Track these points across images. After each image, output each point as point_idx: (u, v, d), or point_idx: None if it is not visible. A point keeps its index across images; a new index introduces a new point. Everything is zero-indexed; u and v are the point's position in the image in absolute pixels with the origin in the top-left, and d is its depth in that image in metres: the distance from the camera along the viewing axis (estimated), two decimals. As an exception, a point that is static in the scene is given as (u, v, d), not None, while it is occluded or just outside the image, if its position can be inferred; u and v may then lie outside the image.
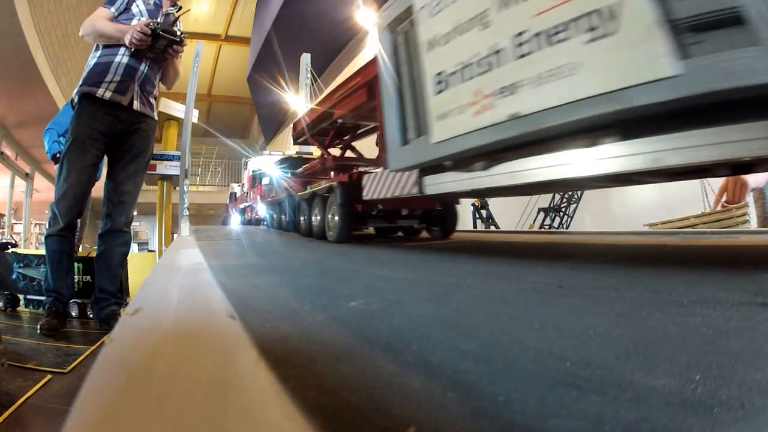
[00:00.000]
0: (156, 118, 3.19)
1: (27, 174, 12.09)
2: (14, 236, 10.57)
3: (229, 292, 1.41)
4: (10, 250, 4.64)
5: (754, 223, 4.78)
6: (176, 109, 10.05)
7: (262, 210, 9.26)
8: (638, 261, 2.40)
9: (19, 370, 2.35)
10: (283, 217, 6.17)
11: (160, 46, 2.87)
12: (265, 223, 8.89)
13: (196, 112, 6.75)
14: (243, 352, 0.80)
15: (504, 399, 0.62)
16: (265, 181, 9.83)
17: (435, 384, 0.67)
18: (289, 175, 6.71)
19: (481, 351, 0.84)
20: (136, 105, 2.97)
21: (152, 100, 3.14)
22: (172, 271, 1.94)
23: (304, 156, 7.28)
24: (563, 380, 0.69)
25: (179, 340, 0.87)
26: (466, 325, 1.07)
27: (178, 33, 2.84)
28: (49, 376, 2.30)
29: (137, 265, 4.76)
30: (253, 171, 10.95)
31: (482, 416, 0.57)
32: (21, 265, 4.14)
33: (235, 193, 15.36)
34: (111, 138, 2.96)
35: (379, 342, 0.91)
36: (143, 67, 2.95)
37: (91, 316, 3.80)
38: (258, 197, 10.00)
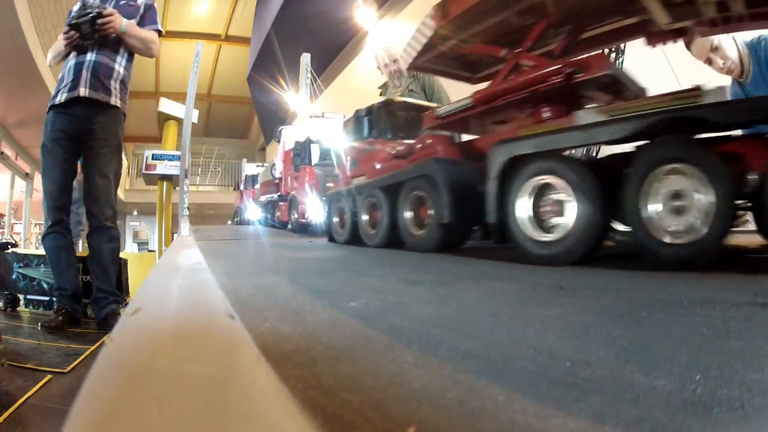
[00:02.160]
0: (118, 104, 3.11)
1: (27, 174, 12.09)
2: (14, 236, 10.57)
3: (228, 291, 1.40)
4: (10, 250, 4.64)
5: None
6: (176, 109, 10.07)
7: (313, 209, 5.82)
8: (638, 261, 2.40)
9: (19, 370, 2.35)
10: (386, 218, 3.30)
11: (87, 31, 2.87)
12: (313, 227, 5.93)
13: (196, 112, 6.76)
14: (243, 351, 0.80)
15: (504, 398, 0.62)
16: (316, 157, 6.30)
17: (435, 384, 0.67)
18: (389, 136, 3.86)
19: (481, 351, 0.84)
20: (83, 91, 2.95)
21: (113, 84, 3.06)
22: (172, 270, 1.94)
23: (416, 103, 4.16)
24: (563, 380, 0.69)
25: (179, 340, 0.87)
26: (466, 325, 1.07)
27: (92, 11, 2.83)
28: (49, 376, 2.30)
29: (137, 265, 4.77)
30: (296, 144, 6.59)
31: (482, 416, 0.57)
32: (21, 265, 4.13)
33: (254, 176, 10.88)
34: (72, 136, 2.99)
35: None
36: (90, 56, 2.98)
37: (91, 316, 3.80)
38: (307, 187, 6.15)
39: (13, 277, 4.09)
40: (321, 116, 6.84)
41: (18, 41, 6.39)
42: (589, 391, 0.64)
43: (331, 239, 4.33)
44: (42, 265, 4.08)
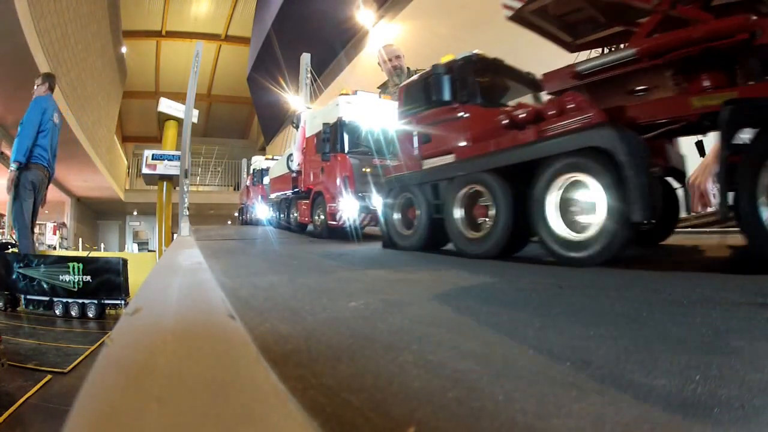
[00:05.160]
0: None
1: (27, 174, 12.04)
2: (14, 236, 10.56)
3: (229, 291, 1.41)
4: (10, 250, 4.64)
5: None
6: (176, 109, 10.08)
7: (348, 207, 4.60)
8: (638, 261, 2.40)
9: (19, 370, 2.36)
10: (506, 214, 2.44)
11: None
12: (347, 229, 4.57)
13: (196, 112, 6.76)
14: (243, 351, 0.80)
15: (504, 398, 0.62)
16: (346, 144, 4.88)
17: (435, 384, 0.67)
18: (479, 101, 2.94)
19: (481, 350, 0.84)
20: None
21: None
22: (172, 270, 1.94)
23: (507, 64, 3.31)
24: (563, 380, 0.69)
25: (179, 340, 0.87)
26: (466, 325, 1.07)
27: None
28: (49, 376, 2.30)
29: (137, 265, 4.77)
30: (324, 127, 5.05)
31: (482, 416, 0.57)
32: (21, 265, 4.13)
33: (263, 171, 9.42)
34: None
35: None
36: None
37: (90, 316, 3.81)
38: (339, 180, 4.78)
39: (13, 277, 4.10)
40: (353, 94, 5.50)
41: (18, 41, 6.39)
42: (589, 391, 0.64)
43: (390, 244, 3.30)
44: (42, 265, 4.08)
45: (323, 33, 11.97)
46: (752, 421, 0.56)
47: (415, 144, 3.26)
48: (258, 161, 10.57)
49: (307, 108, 6.82)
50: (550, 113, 2.39)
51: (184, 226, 4.92)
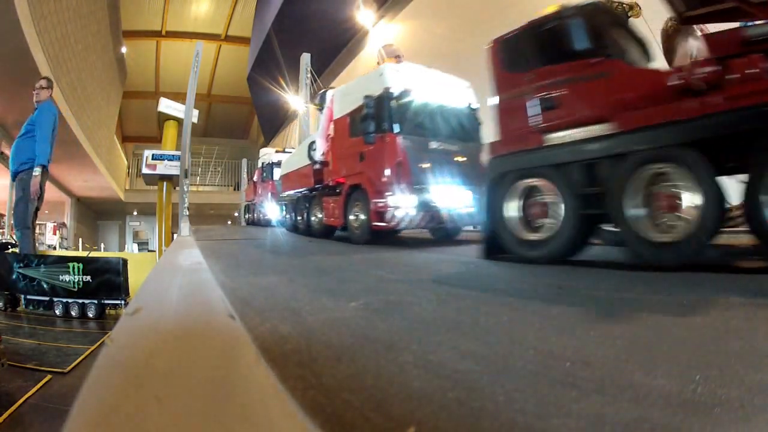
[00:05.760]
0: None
1: (27, 174, 12.04)
2: (14, 236, 10.55)
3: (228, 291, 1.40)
4: (10, 250, 4.65)
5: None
6: (176, 109, 10.09)
7: (405, 203, 3.63)
8: (638, 260, 2.39)
9: (19, 370, 2.36)
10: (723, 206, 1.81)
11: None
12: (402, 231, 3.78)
13: (195, 112, 6.76)
14: (243, 351, 0.80)
15: (504, 399, 0.62)
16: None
17: (435, 384, 0.67)
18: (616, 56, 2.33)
19: (481, 351, 0.84)
20: None
21: None
22: (172, 270, 1.94)
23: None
24: (563, 380, 0.69)
25: (179, 340, 0.87)
26: (466, 325, 1.07)
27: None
28: (49, 376, 2.30)
29: (137, 265, 4.77)
30: (366, 101, 3.93)
31: (482, 416, 0.57)
32: (21, 265, 4.13)
33: (273, 165, 8.32)
34: None
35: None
36: None
37: (90, 316, 3.81)
38: (389, 171, 3.73)
39: (13, 277, 4.10)
40: (398, 58, 4.28)
41: (18, 41, 6.40)
42: (589, 391, 0.64)
43: (496, 253, 2.52)
44: (42, 265, 4.08)
45: (323, 33, 11.98)
46: (752, 421, 0.56)
47: (533, 112, 2.42)
48: (267, 154, 9.30)
49: (325, 92, 5.75)
50: (734, 77, 1.89)
51: (184, 226, 4.93)
